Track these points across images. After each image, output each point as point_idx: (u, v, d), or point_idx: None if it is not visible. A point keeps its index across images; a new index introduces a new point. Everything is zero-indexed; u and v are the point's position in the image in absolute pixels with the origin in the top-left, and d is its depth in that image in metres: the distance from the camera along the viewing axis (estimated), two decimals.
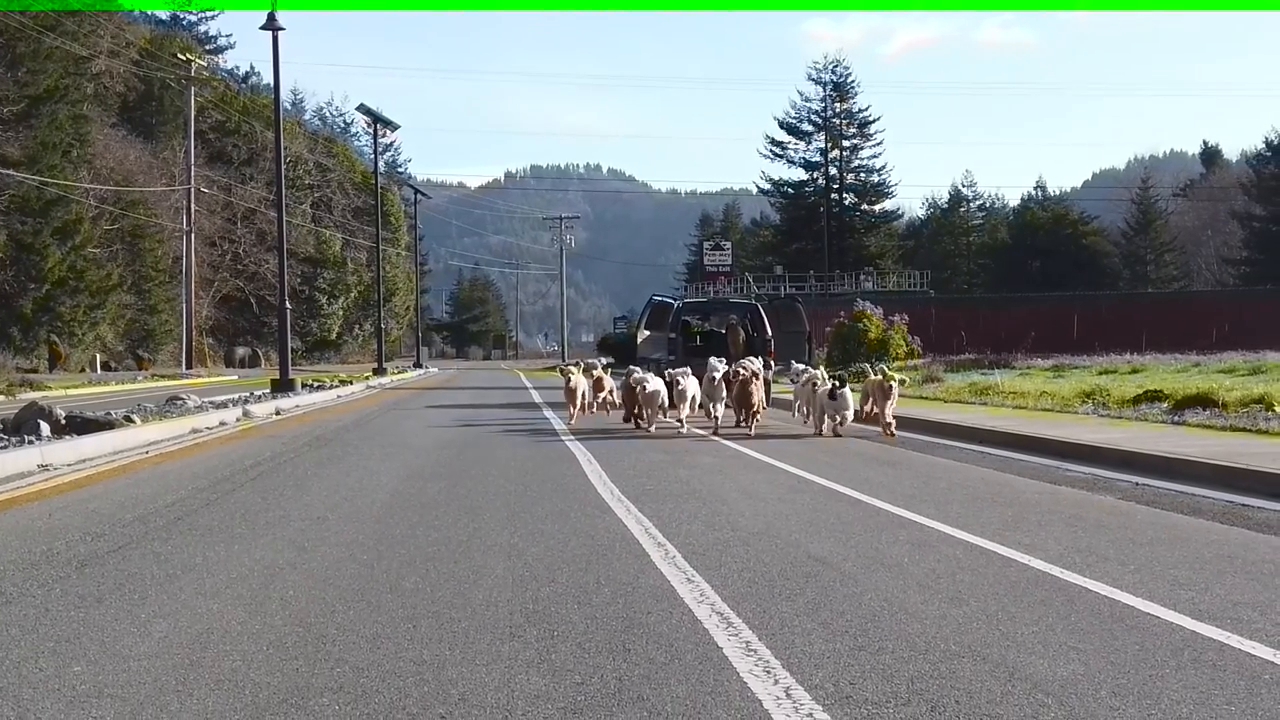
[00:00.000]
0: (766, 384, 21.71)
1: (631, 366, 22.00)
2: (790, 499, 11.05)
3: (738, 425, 19.49)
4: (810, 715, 4.68)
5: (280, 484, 12.73)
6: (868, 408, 19.27)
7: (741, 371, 19.63)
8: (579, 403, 21.93)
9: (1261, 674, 5.19)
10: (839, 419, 18.47)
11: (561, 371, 22.90)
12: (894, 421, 18.17)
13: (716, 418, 19.42)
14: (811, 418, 19.43)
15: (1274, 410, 16.97)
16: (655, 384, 19.91)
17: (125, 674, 5.37)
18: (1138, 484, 11.71)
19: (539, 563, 7.88)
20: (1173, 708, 4.72)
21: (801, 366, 21.35)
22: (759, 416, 19.86)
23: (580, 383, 22.24)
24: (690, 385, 19.66)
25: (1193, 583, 7.05)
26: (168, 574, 7.68)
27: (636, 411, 20.33)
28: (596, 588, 7.05)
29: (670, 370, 20.38)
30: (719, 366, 19.68)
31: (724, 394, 19.59)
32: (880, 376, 19.11)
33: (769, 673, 5.24)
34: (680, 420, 19.51)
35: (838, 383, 18.86)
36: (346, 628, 6.16)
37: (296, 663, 5.52)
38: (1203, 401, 18.61)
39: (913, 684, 5.06)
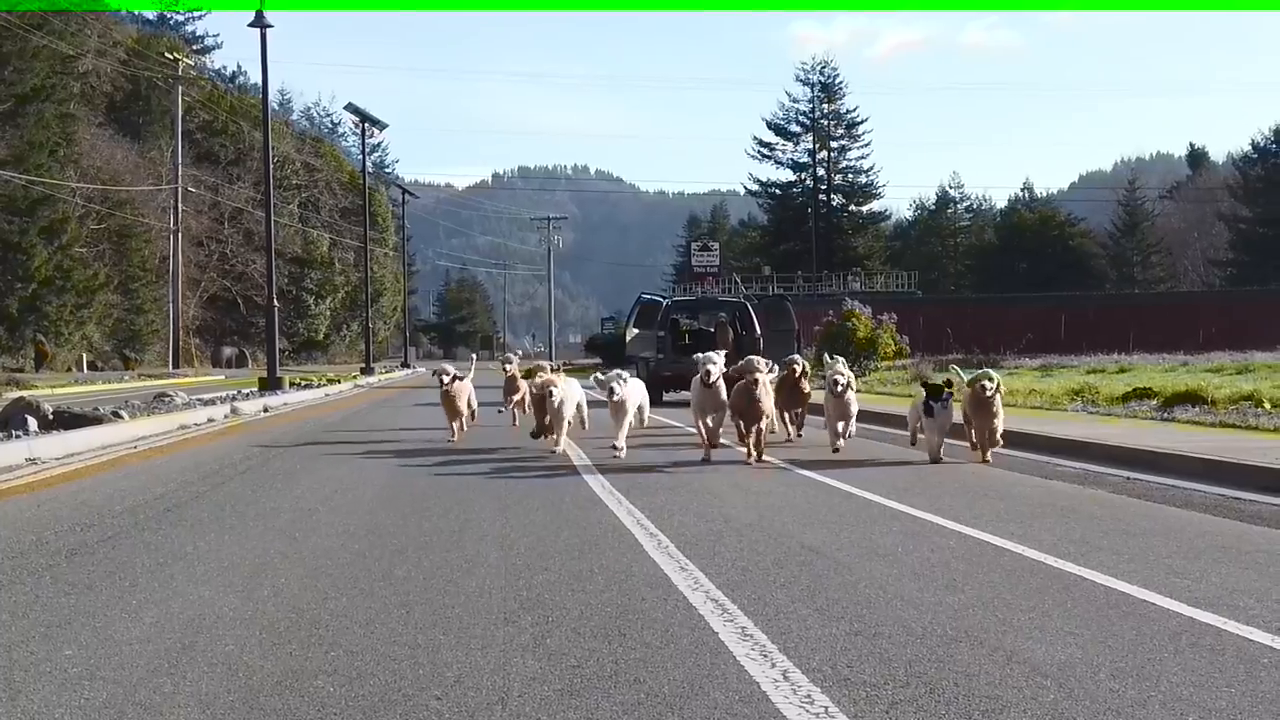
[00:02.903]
0: (797, 385, 16.26)
1: (540, 364, 18.82)
2: (782, 492, 11.03)
3: (741, 441, 14.04)
4: (809, 696, 4.66)
5: (270, 477, 12.69)
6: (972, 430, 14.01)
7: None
8: (461, 415, 17.51)
9: (1260, 658, 5.18)
10: (937, 440, 13.72)
11: (436, 373, 17.87)
12: (1000, 440, 13.79)
13: (710, 435, 14.17)
14: (832, 430, 14.60)
15: (1263, 407, 16.98)
16: (569, 392, 15.61)
17: (118, 657, 5.34)
18: (1129, 478, 11.69)
19: (531, 552, 7.85)
20: (1172, 689, 4.71)
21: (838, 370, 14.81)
22: (796, 430, 16.35)
23: (466, 389, 17.65)
24: (630, 394, 15.17)
25: (1188, 571, 7.04)
26: (158, 562, 7.65)
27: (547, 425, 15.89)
28: (590, 576, 7.03)
29: (601, 376, 15.51)
30: (716, 360, 14.31)
31: (722, 402, 14.14)
32: (976, 381, 13.77)
33: (765, 656, 5.22)
34: (616, 445, 14.21)
35: (938, 392, 13.61)
36: (340, 614, 6.12)
37: (290, 647, 5.49)
38: (1191, 399, 18.62)
39: (910, 667, 5.05)
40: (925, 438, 13.95)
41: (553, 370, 18.00)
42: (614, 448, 14.07)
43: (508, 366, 20.28)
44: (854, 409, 14.79)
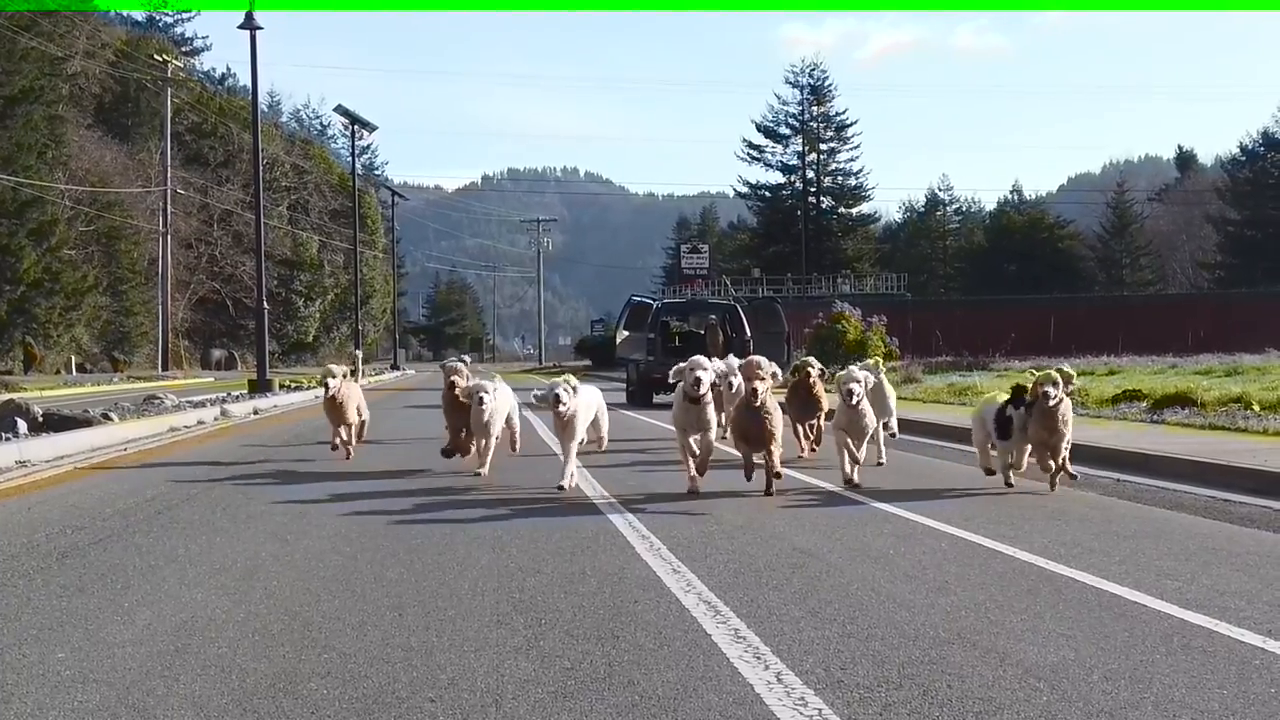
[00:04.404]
0: (811, 392, 13.52)
1: (451, 361, 14.37)
2: (772, 494, 11.00)
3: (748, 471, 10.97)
4: (802, 699, 4.67)
5: (261, 480, 12.68)
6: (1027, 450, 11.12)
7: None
8: (350, 424, 14.67)
9: (1251, 660, 5.19)
10: (1012, 459, 11.19)
11: (323, 378, 14.94)
12: (1065, 461, 10.82)
13: (694, 459, 11.20)
14: (844, 454, 11.54)
15: (1252, 409, 17.01)
16: (500, 399, 12.96)
17: (110, 660, 5.33)
18: (1119, 480, 11.72)
19: (524, 554, 7.85)
20: (1165, 691, 4.72)
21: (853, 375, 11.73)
22: (811, 444, 12.91)
23: (356, 395, 14.99)
24: (581, 408, 11.99)
25: (1178, 573, 7.05)
26: (150, 565, 7.64)
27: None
28: (583, 578, 7.03)
29: (539, 391, 11.99)
30: (706, 366, 11.21)
31: (708, 420, 11.22)
32: (1043, 385, 10.55)
33: (759, 658, 5.23)
34: (565, 469, 11.48)
35: (1011, 404, 11.02)
36: (332, 616, 6.12)
37: (283, 649, 5.48)
38: (1181, 401, 18.64)
39: (903, 669, 5.05)
40: (997, 456, 11.37)
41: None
42: (559, 487, 11.15)
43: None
44: (869, 421, 11.73)
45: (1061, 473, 10.79)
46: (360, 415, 15.04)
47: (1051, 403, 10.47)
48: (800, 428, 13.99)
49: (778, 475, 10.81)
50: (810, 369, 13.56)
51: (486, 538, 8.56)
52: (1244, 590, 6.57)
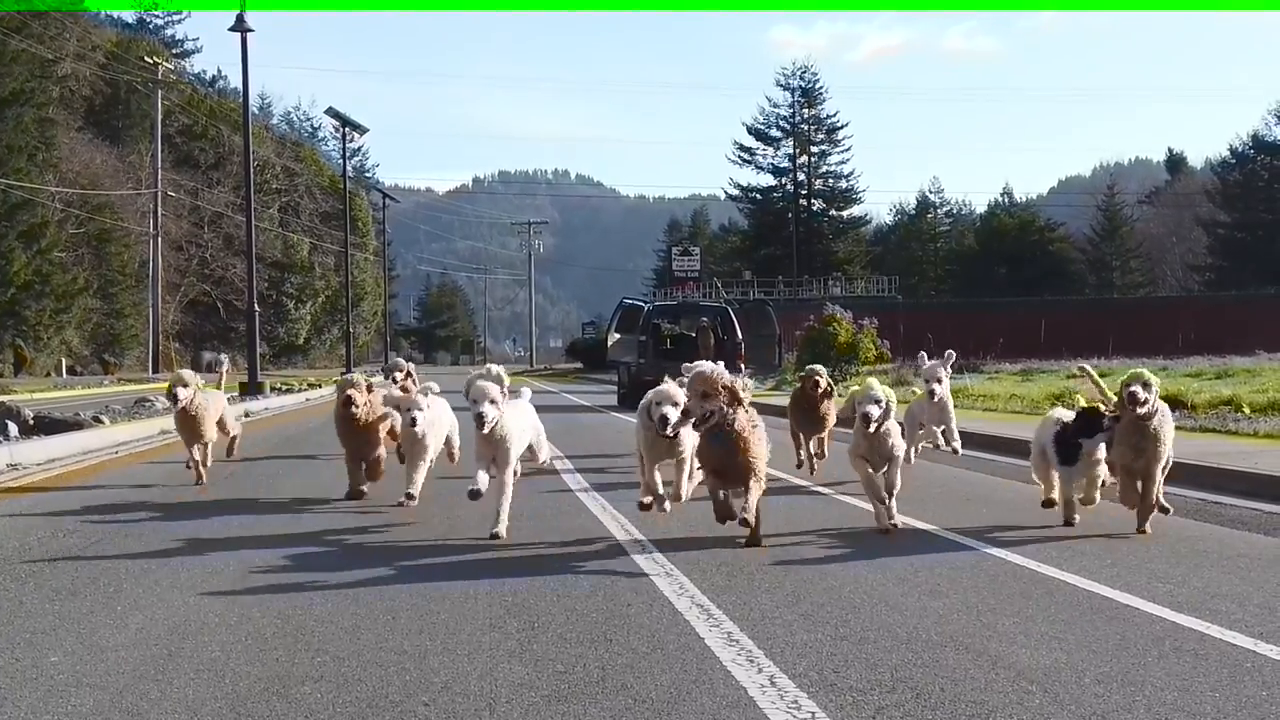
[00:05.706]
0: (812, 408, 12.40)
1: (352, 377, 12.02)
2: (763, 498, 10.95)
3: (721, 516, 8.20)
4: (795, 702, 4.67)
5: (253, 481, 12.66)
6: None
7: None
8: (207, 442, 12.58)
9: (1243, 662, 5.21)
10: (1085, 482, 9.04)
11: (171, 388, 12.22)
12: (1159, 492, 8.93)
13: (659, 493, 8.98)
14: (873, 501, 9.19)
15: (1243, 412, 17.05)
16: (439, 417, 10.88)
17: (103, 664, 5.33)
18: (1109, 483, 11.70)
19: (516, 557, 7.85)
20: (1156, 694, 4.73)
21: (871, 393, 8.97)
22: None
23: (219, 407, 13.34)
24: (515, 431, 9.26)
25: (1170, 576, 7.07)
26: (142, 568, 7.62)
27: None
28: (575, 581, 7.03)
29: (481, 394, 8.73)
30: (678, 400, 8.15)
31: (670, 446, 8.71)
32: (1126, 396, 8.44)
33: (752, 662, 5.24)
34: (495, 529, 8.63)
35: (1094, 424, 8.81)
36: (325, 619, 6.12)
37: (276, 653, 5.48)
38: (1172, 403, 18.59)
39: (896, 672, 5.06)
40: (1059, 485, 9.34)
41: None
42: (493, 534, 8.57)
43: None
44: (896, 445, 9.10)
45: (1147, 511, 8.79)
46: (229, 431, 13.79)
47: (1142, 410, 8.33)
48: (803, 441, 12.79)
49: (745, 523, 8.01)
50: (818, 378, 12.16)
51: (479, 541, 8.55)
52: (1235, 593, 6.59)
